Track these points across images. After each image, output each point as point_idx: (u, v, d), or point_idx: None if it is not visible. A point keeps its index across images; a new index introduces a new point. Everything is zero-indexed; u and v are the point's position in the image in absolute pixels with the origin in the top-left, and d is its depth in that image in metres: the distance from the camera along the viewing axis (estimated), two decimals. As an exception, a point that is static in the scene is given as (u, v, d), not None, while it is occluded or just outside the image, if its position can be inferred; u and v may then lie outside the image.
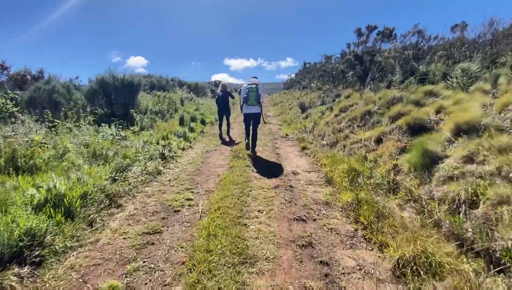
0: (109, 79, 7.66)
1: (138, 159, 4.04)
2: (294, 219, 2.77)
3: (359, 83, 9.03)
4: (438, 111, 3.98)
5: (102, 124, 6.09)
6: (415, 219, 2.41)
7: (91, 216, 2.54)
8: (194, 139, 6.73)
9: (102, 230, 2.45)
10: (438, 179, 2.69)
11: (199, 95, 20.94)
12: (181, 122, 7.82)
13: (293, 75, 31.60)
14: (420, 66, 7.28)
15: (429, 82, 6.68)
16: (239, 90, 5.97)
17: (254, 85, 5.12)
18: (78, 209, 2.46)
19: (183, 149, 5.54)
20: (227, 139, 7.10)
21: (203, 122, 8.94)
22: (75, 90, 8.43)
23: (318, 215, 2.90)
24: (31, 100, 7.14)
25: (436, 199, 2.47)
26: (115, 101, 7.91)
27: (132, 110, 6.88)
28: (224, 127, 7.49)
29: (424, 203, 2.52)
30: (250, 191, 3.53)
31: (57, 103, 5.84)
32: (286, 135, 7.80)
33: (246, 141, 5.50)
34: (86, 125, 5.42)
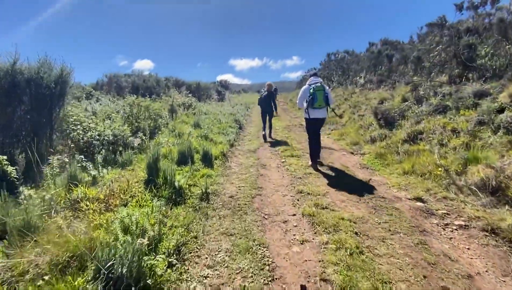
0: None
1: None
2: None
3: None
4: None
5: None
6: None
7: None
8: (175, 267, 2.00)
9: None
10: None
11: (202, 99, 16.32)
12: (152, 171, 3.11)
13: (313, 71, 26.84)
14: None
15: None
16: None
17: (319, 83, 4.23)
18: None
19: None
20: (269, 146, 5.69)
21: (206, 160, 4.22)
22: None
23: None
24: None
25: None
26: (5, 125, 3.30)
27: (5, 165, 2.25)
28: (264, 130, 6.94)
29: None
30: None
31: None
32: (429, 209, 3.04)
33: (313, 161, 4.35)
34: None
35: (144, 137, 4.42)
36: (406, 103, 6.08)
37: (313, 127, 4.43)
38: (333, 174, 4.07)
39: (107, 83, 11.66)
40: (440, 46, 6.45)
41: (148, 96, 10.09)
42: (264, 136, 6.69)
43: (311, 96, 4.16)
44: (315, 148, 4.43)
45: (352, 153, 5.29)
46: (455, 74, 6.23)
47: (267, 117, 6.87)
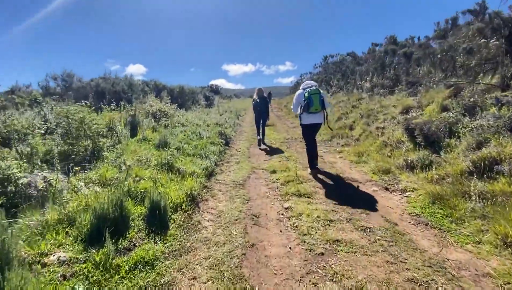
0: None
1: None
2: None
3: None
4: None
5: None
6: None
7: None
8: None
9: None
10: None
11: (187, 105, 14.50)
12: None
13: (308, 75, 25.43)
14: None
15: None
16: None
17: (314, 87, 4.05)
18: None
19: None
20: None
21: (154, 219, 2.43)
22: None
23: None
24: None
25: None
26: None
27: None
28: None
29: None
30: None
31: None
32: None
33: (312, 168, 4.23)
34: None
35: (52, 177, 2.60)
36: (449, 114, 4.47)
37: (310, 134, 4.31)
38: (374, 239, 2.36)
39: (60, 88, 9.60)
40: (485, 39, 4.91)
41: (115, 103, 8.23)
42: (259, 142, 6.60)
43: (306, 100, 3.98)
44: (313, 154, 4.29)
45: (387, 189, 3.59)
46: (509, 75, 4.70)
47: (261, 123, 6.67)
